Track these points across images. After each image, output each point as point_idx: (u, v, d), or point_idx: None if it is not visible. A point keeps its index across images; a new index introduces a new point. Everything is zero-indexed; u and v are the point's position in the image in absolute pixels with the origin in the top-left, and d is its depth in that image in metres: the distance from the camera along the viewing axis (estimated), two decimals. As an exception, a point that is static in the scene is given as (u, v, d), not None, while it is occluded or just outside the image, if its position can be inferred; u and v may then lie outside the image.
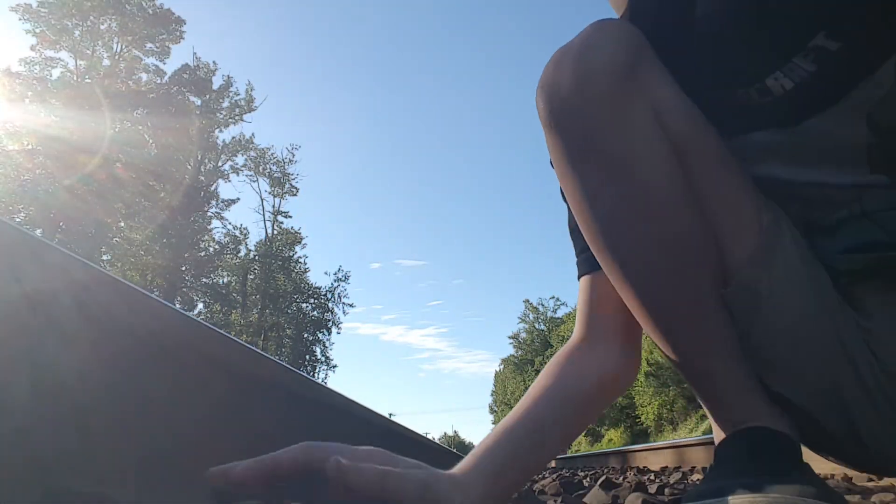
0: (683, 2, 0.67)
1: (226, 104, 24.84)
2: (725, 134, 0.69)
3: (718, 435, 0.71)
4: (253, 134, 29.55)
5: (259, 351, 1.45)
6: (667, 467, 4.53)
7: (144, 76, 21.68)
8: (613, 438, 23.60)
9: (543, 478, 3.10)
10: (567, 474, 4.46)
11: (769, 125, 0.69)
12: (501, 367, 61.07)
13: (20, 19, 19.24)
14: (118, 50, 20.99)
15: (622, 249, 0.66)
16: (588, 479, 3.13)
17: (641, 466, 5.34)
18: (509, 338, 54.30)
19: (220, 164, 26.17)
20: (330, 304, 33.50)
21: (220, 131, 25.43)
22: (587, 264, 0.80)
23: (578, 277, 0.82)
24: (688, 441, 4.79)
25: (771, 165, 0.70)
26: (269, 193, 30.93)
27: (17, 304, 0.67)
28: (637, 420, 21.48)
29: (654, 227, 0.64)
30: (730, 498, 0.58)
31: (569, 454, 18.03)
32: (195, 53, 23.53)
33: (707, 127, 0.67)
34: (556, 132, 0.65)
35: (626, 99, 0.62)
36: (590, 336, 0.78)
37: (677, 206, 0.64)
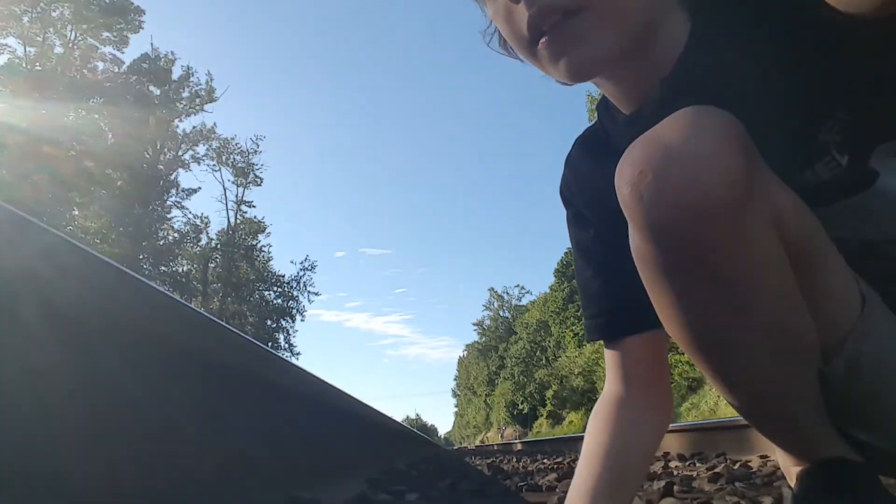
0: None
1: (186, 94, 24.29)
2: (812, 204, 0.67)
3: (784, 461, 0.76)
4: (215, 124, 28.91)
5: (224, 323, 1.32)
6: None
7: (101, 65, 21.07)
8: (574, 421, 24.16)
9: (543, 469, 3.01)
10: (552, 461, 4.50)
11: (845, 195, 0.69)
12: (465, 352, 61.64)
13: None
14: (72, 38, 20.29)
15: (729, 355, 0.65)
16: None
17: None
18: (473, 325, 54.72)
19: (180, 153, 25.59)
20: (294, 293, 33.15)
21: (181, 121, 24.89)
22: (612, 330, 0.84)
23: (596, 340, 0.87)
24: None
25: (849, 230, 0.70)
26: (233, 183, 30.33)
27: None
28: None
29: (768, 335, 0.63)
30: None
31: (530, 437, 18.32)
32: (153, 44, 22.92)
33: (816, 220, 0.65)
34: (657, 242, 0.59)
35: (747, 213, 0.57)
36: (631, 392, 0.83)
37: (791, 311, 0.63)
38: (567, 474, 2.66)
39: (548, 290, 33.82)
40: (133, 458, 0.85)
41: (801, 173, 0.69)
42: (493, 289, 52.36)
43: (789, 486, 0.75)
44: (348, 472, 2.34)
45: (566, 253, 30.37)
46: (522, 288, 49.78)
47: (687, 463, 3.23)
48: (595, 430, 0.82)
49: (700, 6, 0.70)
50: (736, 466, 2.62)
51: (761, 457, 3.03)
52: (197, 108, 24.52)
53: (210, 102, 24.69)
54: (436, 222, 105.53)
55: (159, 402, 0.95)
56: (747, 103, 0.62)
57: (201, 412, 1.11)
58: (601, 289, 0.86)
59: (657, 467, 3.01)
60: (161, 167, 24.08)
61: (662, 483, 1.65)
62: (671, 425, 4.43)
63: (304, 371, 2.04)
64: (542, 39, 0.67)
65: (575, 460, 3.51)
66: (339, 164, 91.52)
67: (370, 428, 3.53)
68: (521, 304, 48.11)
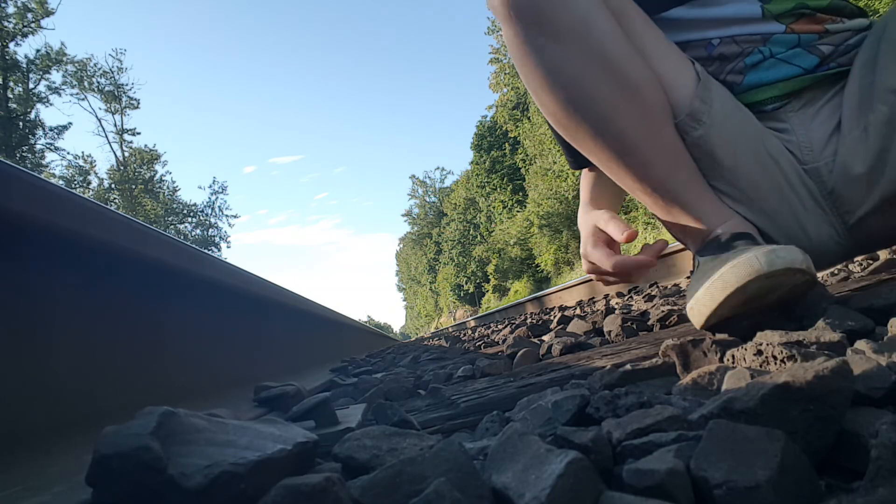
0: None
1: (11, 10, 20.50)
2: (649, 12, 0.89)
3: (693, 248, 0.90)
4: (63, 43, 25.01)
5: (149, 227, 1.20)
6: (582, 300, 4.82)
7: None
8: (519, 290, 24.90)
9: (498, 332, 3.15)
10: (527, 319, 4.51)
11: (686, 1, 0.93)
12: (401, 245, 61.85)
13: None
14: None
15: (593, 106, 0.80)
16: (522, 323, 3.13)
17: (559, 305, 5.64)
18: (403, 216, 54.47)
19: (31, 85, 22.22)
20: (211, 220, 31.48)
21: (17, 44, 21.26)
22: (573, 163, 1.13)
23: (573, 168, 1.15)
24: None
25: (691, 32, 0.93)
26: (107, 111, 27.22)
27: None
28: (538, 269, 22.57)
29: (616, 78, 0.80)
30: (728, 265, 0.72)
31: (480, 313, 18.83)
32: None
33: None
34: (516, 17, 0.79)
35: None
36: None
37: (630, 58, 0.81)
38: (518, 325, 2.91)
39: (469, 167, 33.29)
40: (105, 366, 0.85)
41: None
42: (414, 176, 51.68)
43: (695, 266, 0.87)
44: (313, 368, 2.38)
45: (479, 125, 29.59)
46: (443, 170, 49.50)
47: (625, 298, 3.49)
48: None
49: None
50: (666, 288, 2.91)
51: (687, 277, 3.41)
52: (32, 25, 20.91)
53: (46, 16, 21.04)
54: (342, 116, 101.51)
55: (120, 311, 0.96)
56: None
57: (164, 319, 1.10)
58: None
59: (599, 305, 3.33)
60: (13, 105, 20.93)
61: (604, 307, 1.92)
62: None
63: (259, 277, 1.94)
64: None
65: (524, 321, 4.02)
66: (227, 71, 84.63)
67: (328, 328, 3.51)
68: (446, 185, 47.90)
